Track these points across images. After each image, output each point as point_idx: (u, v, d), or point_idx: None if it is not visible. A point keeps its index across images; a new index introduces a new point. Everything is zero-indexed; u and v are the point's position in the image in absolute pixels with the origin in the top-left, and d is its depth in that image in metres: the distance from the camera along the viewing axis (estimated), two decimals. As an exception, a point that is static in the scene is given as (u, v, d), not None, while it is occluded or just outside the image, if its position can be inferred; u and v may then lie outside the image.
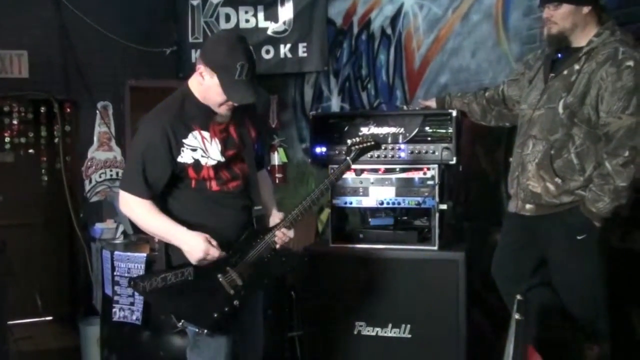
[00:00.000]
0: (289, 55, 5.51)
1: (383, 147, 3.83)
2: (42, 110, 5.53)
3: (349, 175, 3.89)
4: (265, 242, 2.93)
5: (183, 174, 2.86)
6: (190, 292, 2.82)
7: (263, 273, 2.96)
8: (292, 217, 2.97)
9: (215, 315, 2.85)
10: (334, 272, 3.93)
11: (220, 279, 2.86)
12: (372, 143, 3.25)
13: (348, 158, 3.17)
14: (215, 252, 2.81)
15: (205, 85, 2.83)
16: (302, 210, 2.98)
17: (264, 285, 3.05)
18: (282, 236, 2.94)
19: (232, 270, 2.87)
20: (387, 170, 3.88)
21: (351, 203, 3.96)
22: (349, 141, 3.24)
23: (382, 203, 3.90)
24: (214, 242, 2.82)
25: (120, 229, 4.81)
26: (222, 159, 2.89)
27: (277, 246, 2.97)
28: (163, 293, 2.80)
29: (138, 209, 2.85)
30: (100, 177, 5.69)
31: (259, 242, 2.92)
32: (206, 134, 2.87)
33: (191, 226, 2.86)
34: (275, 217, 3.05)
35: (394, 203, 3.88)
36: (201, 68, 2.82)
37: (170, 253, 2.92)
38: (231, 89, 2.77)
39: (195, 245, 2.80)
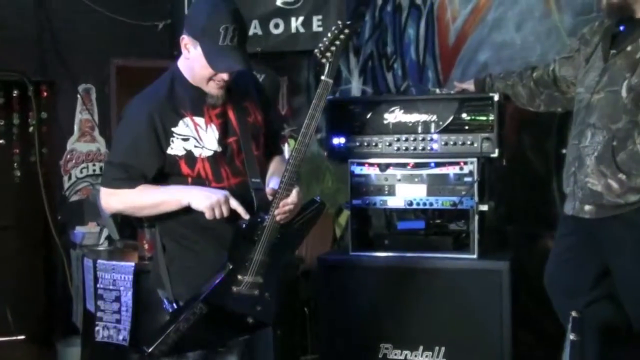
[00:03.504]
0: (302, 29, 5.46)
1: (412, 139, 3.79)
2: (14, 94, 5.51)
3: (372, 172, 3.87)
4: (268, 228, 2.83)
5: (175, 170, 2.82)
6: (212, 321, 2.79)
7: (280, 252, 2.91)
8: (286, 181, 2.82)
9: (250, 320, 2.86)
10: (354, 284, 3.94)
11: (235, 290, 2.82)
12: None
13: (324, 77, 2.85)
14: (235, 203, 2.75)
15: (190, 59, 2.79)
16: (294, 164, 2.82)
17: (286, 260, 3.07)
18: (283, 213, 2.84)
19: (245, 276, 2.83)
20: (417, 165, 3.89)
21: (374, 204, 3.97)
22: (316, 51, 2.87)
23: (411, 203, 3.90)
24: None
25: (105, 233, 4.83)
26: (219, 149, 2.85)
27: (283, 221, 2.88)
28: (183, 341, 2.77)
29: (124, 197, 2.81)
30: (81, 172, 5.67)
31: (260, 235, 2.83)
32: (200, 120, 2.84)
33: (188, 233, 2.86)
34: (272, 182, 2.93)
35: (425, 203, 3.89)
36: (185, 39, 2.79)
37: (170, 270, 2.90)
38: (215, 56, 2.71)
39: (213, 193, 2.75)
